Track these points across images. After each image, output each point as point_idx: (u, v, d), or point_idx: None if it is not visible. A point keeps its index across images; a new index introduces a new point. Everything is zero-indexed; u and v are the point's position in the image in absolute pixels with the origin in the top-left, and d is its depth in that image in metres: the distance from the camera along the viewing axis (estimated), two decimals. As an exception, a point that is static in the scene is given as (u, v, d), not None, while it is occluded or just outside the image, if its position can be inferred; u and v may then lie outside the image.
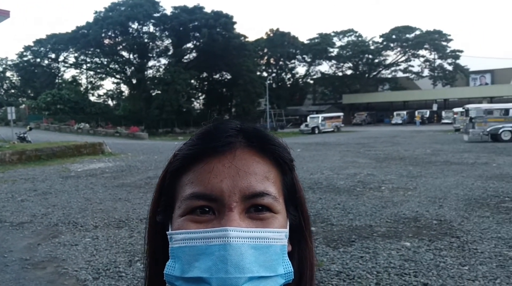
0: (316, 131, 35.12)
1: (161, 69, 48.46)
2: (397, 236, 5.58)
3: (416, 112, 48.23)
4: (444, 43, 54.14)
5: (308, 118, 37.67)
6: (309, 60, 59.05)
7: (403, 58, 57.70)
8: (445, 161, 13.28)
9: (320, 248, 5.18)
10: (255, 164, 0.56)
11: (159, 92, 44.15)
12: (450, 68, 54.61)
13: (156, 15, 46.06)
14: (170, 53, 48.86)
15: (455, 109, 34.34)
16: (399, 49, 57.02)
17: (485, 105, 23.28)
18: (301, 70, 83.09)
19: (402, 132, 32.26)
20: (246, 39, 50.01)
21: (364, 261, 4.67)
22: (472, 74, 57.00)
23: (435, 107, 51.34)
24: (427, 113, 48.61)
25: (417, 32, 54.84)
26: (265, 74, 57.22)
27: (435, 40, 53.82)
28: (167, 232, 0.58)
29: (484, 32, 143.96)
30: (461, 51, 54.13)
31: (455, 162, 13.05)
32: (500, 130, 20.05)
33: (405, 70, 57.86)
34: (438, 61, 55.58)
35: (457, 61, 54.05)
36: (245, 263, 0.50)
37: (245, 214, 0.55)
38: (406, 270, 4.35)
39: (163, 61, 49.39)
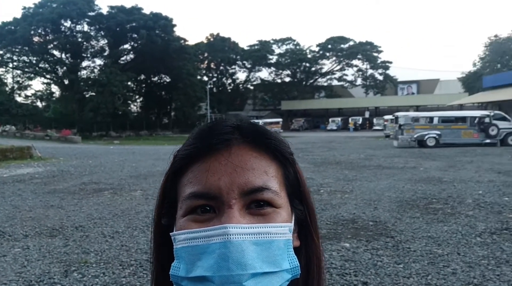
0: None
1: (96, 70, 46.46)
2: (337, 237, 5.79)
3: (350, 119, 50.57)
4: (375, 54, 57.43)
5: (248, 123, 38.04)
6: (249, 66, 59.80)
7: (338, 67, 60.37)
8: (377, 165, 14.03)
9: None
10: (253, 159, 0.56)
11: (94, 94, 42.21)
12: (380, 78, 58.00)
13: (91, 14, 44.10)
14: (106, 53, 46.99)
15: (386, 117, 36.42)
16: (334, 58, 59.57)
17: (413, 113, 24.95)
18: (241, 75, 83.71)
19: (337, 137, 33.63)
20: (186, 43, 49.51)
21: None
22: (400, 84, 61.00)
23: (367, 115, 54.18)
24: (360, 120, 51.14)
25: (351, 43, 57.66)
26: (205, 78, 56.97)
27: (367, 51, 56.90)
28: (170, 234, 0.58)
29: (411, 45, 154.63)
30: (391, 62, 57.80)
31: (386, 166, 13.83)
32: (426, 137, 21.60)
33: (339, 79, 60.58)
34: (370, 71, 58.81)
35: (387, 72, 57.58)
36: (247, 259, 0.50)
37: (245, 211, 0.54)
38: (346, 270, 4.53)
39: (99, 61, 47.43)
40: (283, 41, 59.81)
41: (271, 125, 37.87)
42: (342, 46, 57.91)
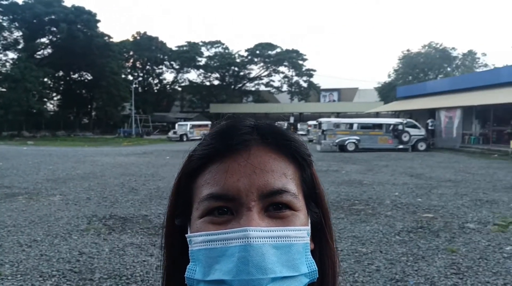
0: (185, 139, 34.96)
1: (8, 64, 42.53)
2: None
3: (276, 124, 51.82)
4: (301, 62, 59.55)
5: (176, 125, 37.29)
6: (177, 67, 58.74)
7: (266, 73, 61.64)
8: (304, 169, 14.53)
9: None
10: (272, 161, 0.55)
11: (5, 90, 38.64)
12: (305, 85, 60.24)
13: (4, 2, 40.40)
14: (20, 46, 43.31)
15: (309, 122, 37.96)
16: (262, 64, 60.72)
17: (335, 119, 26.26)
18: (169, 76, 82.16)
19: (265, 141, 34.24)
20: (111, 39, 47.36)
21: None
22: (323, 91, 63.91)
23: (292, 120, 55.88)
24: (285, 124, 52.61)
25: (278, 50, 59.18)
26: (130, 77, 54.91)
27: (293, 58, 58.81)
28: (186, 235, 0.56)
29: (333, 55, 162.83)
30: (314, 71, 60.28)
31: (312, 170, 14.39)
32: (346, 142, 22.86)
33: (267, 84, 61.89)
34: (295, 78, 60.83)
35: (311, 79, 60.01)
36: (267, 263, 0.49)
37: (264, 213, 0.53)
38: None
39: (12, 55, 43.52)
40: (212, 43, 59.67)
41: (199, 128, 37.51)
42: (269, 52, 59.22)
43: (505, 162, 16.64)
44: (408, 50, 55.98)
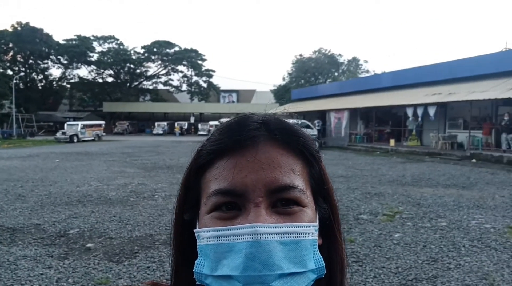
0: (75, 140, 32.34)
1: None
2: (178, 242, 5.78)
3: (176, 124, 50.93)
4: (200, 62, 59.33)
5: (65, 125, 34.27)
6: (65, 62, 54.14)
7: (164, 72, 60.13)
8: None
9: (102, 264, 4.85)
10: (280, 156, 0.55)
11: None
12: (205, 85, 60.21)
13: None
14: None
15: (210, 122, 38.04)
16: (160, 62, 59.08)
17: (235, 120, 26.70)
18: (55, 72, 75.19)
19: (164, 142, 33.44)
20: (-16, 29, 41.84)
21: (151, 271, 4.65)
22: (222, 92, 64.60)
23: (192, 120, 55.50)
24: (185, 125, 51.98)
25: (177, 49, 58.17)
26: (10, 72, 49.16)
27: (192, 58, 58.32)
28: (194, 230, 0.56)
29: (232, 57, 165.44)
30: (214, 71, 60.59)
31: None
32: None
33: (165, 83, 60.38)
34: (195, 78, 60.43)
35: (211, 80, 60.21)
36: (274, 259, 0.49)
37: (271, 209, 0.53)
38: (192, 273, 4.57)
39: None
40: (105, 38, 56.25)
41: (92, 128, 35.11)
42: (168, 51, 57.87)
43: (386, 159, 18.60)
44: (300, 55, 59.47)
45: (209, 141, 0.59)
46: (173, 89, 60.57)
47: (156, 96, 59.82)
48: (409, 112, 21.67)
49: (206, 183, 0.56)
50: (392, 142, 22.46)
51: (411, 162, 16.73)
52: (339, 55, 59.90)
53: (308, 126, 26.28)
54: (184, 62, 58.54)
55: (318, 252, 0.54)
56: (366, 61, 74.84)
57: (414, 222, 6.80)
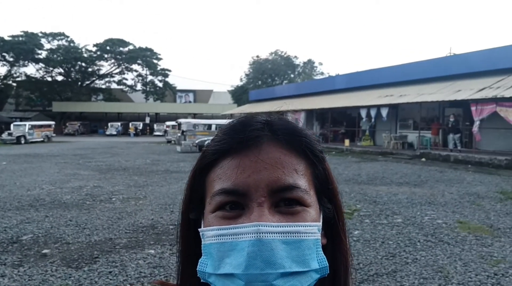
0: (23, 141, 30.63)
1: None
2: (140, 245, 5.64)
3: (130, 124, 49.59)
4: (155, 61, 58.15)
5: (11, 125, 32.39)
6: (11, 59, 51.15)
7: (117, 70, 58.35)
8: (165, 170, 14.28)
9: (60, 271, 4.64)
10: (283, 157, 0.55)
11: None
12: (160, 84, 59.07)
13: None
14: None
15: (167, 123, 37.38)
16: (113, 61, 57.29)
17: (194, 121, 26.41)
18: (0, 70, 71.03)
19: (119, 143, 32.48)
20: None
21: (113, 275, 4.51)
22: (179, 92, 63.67)
23: (147, 120, 54.28)
24: (140, 125, 50.77)
25: (131, 47, 56.64)
26: None
27: (147, 57, 57.01)
28: (199, 229, 0.57)
29: (189, 57, 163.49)
30: (170, 71, 59.55)
31: (174, 170, 14.23)
32: (206, 142, 23.18)
33: (119, 82, 58.60)
34: (150, 77, 59.13)
35: (166, 79, 59.14)
36: (276, 258, 0.50)
37: (274, 209, 0.54)
38: (157, 276, 4.48)
39: None
40: (54, 35, 53.66)
41: (41, 128, 33.41)
42: (121, 49, 56.18)
43: (342, 158, 19.13)
44: (257, 56, 59.84)
45: (213, 141, 0.59)
46: (127, 88, 58.91)
47: (109, 95, 57.92)
48: (363, 113, 22.40)
49: (211, 183, 0.57)
50: (346, 142, 23.13)
51: (365, 162, 17.31)
52: (295, 57, 60.91)
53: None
54: (138, 61, 57.12)
55: (322, 252, 0.55)
56: (321, 64, 76.51)
57: (371, 219, 7.05)
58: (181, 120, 25.33)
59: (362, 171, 13.88)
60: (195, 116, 52.11)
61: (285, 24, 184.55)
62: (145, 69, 58.23)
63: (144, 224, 6.77)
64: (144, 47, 57.36)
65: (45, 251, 5.34)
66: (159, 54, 58.61)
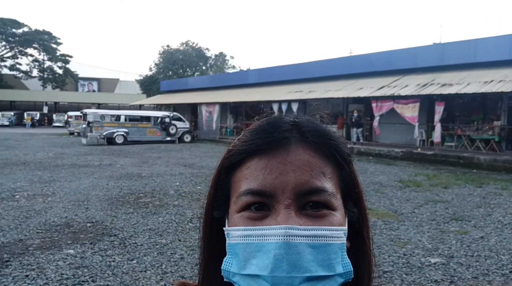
0: None
1: None
2: (56, 245, 5.24)
3: (26, 114, 45.10)
4: (54, 46, 53.58)
5: None
6: None
7: (10, 54, 52.58)
8: (72, 164, 13.32)
9: (-37, 278, 4.12)
10: (311, 159, 0.55)
11: None
12: (60, 71, 54.60)
13: None
14: None
15: (70, 113, 34.75)
16: (4, 43, 51.51)
17: (101, 111, 24.91)
18: None
19: (13, 134, 29.37)
20: None
21: (32, 279, 4.13)
22: (81, 80, 59.40)
23: (45, 110, 49.89)
24: (37, 115, 46.44)
25: (26, 29, 51.48)
26: None
27: (44, 40, 52.30)
28: (224, 228, 0.58)
29: (92, 42, 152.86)
30: (71, 57, 55.35)
31: (82, 164, 13.34)
32: (115, 134, 22.11)
33: (12, 67, 52.84)
34: (48, 63, 54.34)
35: (67, 66, 54.80)
36: (303, 262, 0.50)
37: (301, 211, 0.54)
38: (81, 277, 4.21)
39: None
40: None
41: None
42: (14, 30, 50.75)
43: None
44: (168, 46, 58.06)
45: (240, 140, 0.59)
46: (21, 74, 53.33)
47: (1, 81, 51.93)
48: (275, 107, 23.13)
49: (236, 183, 0.57)
50: (259, 135, 23.70)
51: (278, 154, 17.93)
52: (207, 49, 60.37)
53: (180, 119, 26.05)
54: (34, 45, 52.21)
55: (347, 256, 0.55)
56: (232, 57, 77.12)
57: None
58: (87, 110, 23.75)
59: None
60: (99, 106, 49.20)
61: (196, 15, 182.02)
62: (42, 54, 53.37)
63: (57, 222, 6.29)
64: (41, 29, 52.50)
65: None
66: (59, 38, 54.18)
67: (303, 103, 22.92)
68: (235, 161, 0.57)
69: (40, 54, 53.49)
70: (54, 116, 46.24)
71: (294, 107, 21.57)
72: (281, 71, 26.24)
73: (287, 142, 0.55)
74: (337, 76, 21.94)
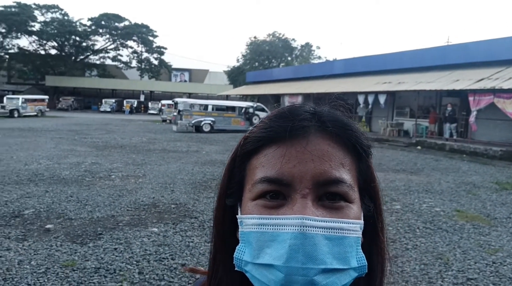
0: (16, 115, 30.28)
1: None
2: (143, 223, 5.68)
3: (125, 101, 49.14)
4: (151, 38, 57.30)
5: (4, 98, 31.95)
6: (3, 30, 50.06)
7: (112, 46, 57.47)
8: (162, 149, 14.25)
9: (65, 246, 4.67)
10: (330, 149, 0.54)
11: None
12: (156, 62, 58.37)
13: None
14: None
15: (163, 101, 37.07)
16: (108, 36, 56.41)
17: (191, 100, 26.19)
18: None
19: (113, 120, 32.24)
20: None
21: (119, 252, 4.54)
22: (174, 70, 62.99)
23: (142, 98, 53.80)
24: (135, 103, 50.34)
25: (126, 23, 55.71)
26: None
27: (142, 33, 56.17)
28: (237, 216, 0.56)
29: (185, 35, 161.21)
30: (165, 48, 58.79)
31: (171, 150, 14.21)
32: (202, 123, 23.15)
33: (114, 58, 57.77)
34: (145, 54, 58.35)
35: (162, 57, 58.41)
36: (319, 254, 0.49)
37: (318, 202, 0.52)
38: (162, 254, 4.52)
39: None
40: (48, 8, 52.54)
41: (34, 102, 32.98)
42: (116, 24, 55.25)
43: (338, 144, 19.20)
44: (255, 37, 59.02)
45: (258, 127, 0.58)
46: (122, 65, 58.13)
47: (104, 71, 57.18)
48: (361, 99, 22.40)
49: (252, 170, 0.55)
50: (343, 127, 23.17)
51: (361, 148, 17.40)
52: (293, 39, 60.26)
53: (263, 109, 26.46)
54: (134, 38, 56.30)
55: (361, 250, 0.54)
56: (318, 47, 76.16)
57: (371, 205, 7.13)
58: (178, 99, 25.12)
59: (358, 157, 13.96)
60: (190, 95, 51.74)
61: (283, 6, 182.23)
62: (140, 46, 57.41)
63: (146, 202, 6.80)
64: (140, 23, 56.49)
65: (48, 226, 5.35)
66: (155, 31, 57.79)
67: (391, 95, 21.88)
68: (252, 148, 0.56)
69: (138, 46, 57.65)
70: (149, 104, 49.67)
71: (381, 99, 20.68)
72: (368, 61, 25.26)
73: (306, 131, 0.54)
74: (430, 67, 20.54)
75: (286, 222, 0.50)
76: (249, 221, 0.53)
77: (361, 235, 0.54)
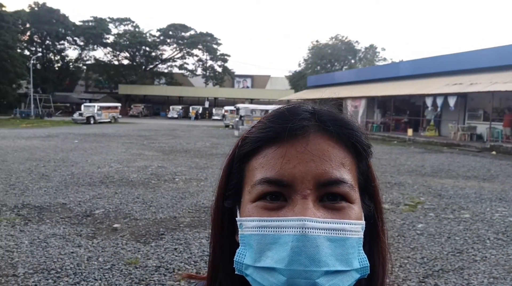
0: (92, 121, 32.72)
1: None
2: (202, 225, 5.85)
3: (191, 108, 51.05)
4: (215, 46, 59.12)
5: (82, 106, 34.67)
6: (81, 43, 54.45)
7: (179, 55, 60.10)
8: (224, 154, 14.37)
9: (129, 245, 4.95)
10: (330, 149, 0.53)
11: None
12: (219, 69, 60.07)
13: None
14: None
15: (226, 107, 37.99)
16: (175, 45, 59.06)
17: (252, 106, 26.68)
18: (72, 53, 75.83)
19: (180, 126, 33.61)
20: (3, 8, 42.17)
21: (179, 252, 4.72)
22: (237, 77, 64.38)
23: (207, 104, 55.58)
24: (200, 109, 52.14)
25: (192, 32, 58.00)
26: (27, 52, 49.66)
27: (207, 42, 58.12)
28: (236, 219, 0.55)
29: (246, 42, 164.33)
30: (229, 56, 60.38)
31: (232, 155, 14.48)
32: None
33: (180, 67, 60.39)
34: (210, 62, 60.30)
35: (225, 64, 59.98)
36: (321, 256, 0.48)
37: (319, 203, 0.51)
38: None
39: None
40: (121, 21, 56.33)
41: (108, 110, 35.40)
42: (183, 34, 57.76)
43: (404, 148, 18.43)
44: (317, 41, 58.59)
45: (256, 128, 0.56)
46: (188, 73, 60.59)
47: (171, 79, 59.96)
48: (428, 102, 21.33)
49: (251, 171, 0.54)
50: (409, 131, 22.20)
51: (429, 153, 16.55)
52: (356, 42, 59.33)
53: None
54: (199, 46, 58.40)
55: (363, 251, 0.53)
56: (383, 49, 73.88)
57: (436, 213, 6.76)
58: (239, 105, 25.68)
59: (426, 162, 13.30)
60: (252, 101, 52.51)
61: (346, 8, 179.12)
62: (205, 54, 59.41)
63: (206, 205, 7.00)
64: (204, 32, 58.52)
65: (115, 225, 5.71)
66: (219, 39, 59.54)
67: (462, 97, 20.61)
68: (250, 149, 0.55)
69: (203, 54, 59.74)
70: (213, 110, 51.17)
71: (452, 101, 19.55)
72: (437, 61, 24.00)
73: (306, 130, 0.53)
74: (505, 66, 19.05)
75: (287, 224, 0.49)
76: (249, 223, 0.52)
77: (362, 236, 0.53)
